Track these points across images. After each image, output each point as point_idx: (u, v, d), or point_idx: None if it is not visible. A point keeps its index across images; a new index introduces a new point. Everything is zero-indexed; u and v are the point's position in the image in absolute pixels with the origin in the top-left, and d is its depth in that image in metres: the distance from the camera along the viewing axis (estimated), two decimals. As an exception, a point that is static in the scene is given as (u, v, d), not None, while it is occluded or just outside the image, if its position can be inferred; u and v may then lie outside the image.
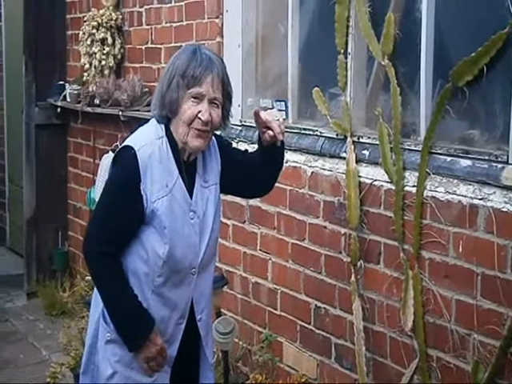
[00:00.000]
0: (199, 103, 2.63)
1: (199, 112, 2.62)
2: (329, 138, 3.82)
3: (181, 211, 2.69)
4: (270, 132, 2.69)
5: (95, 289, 2.80)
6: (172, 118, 2.68)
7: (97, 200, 5.11)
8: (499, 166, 2.97)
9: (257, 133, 2.83)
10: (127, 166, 2.64)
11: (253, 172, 2.88)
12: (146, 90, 5.15)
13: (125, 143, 2.70)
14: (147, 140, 2.67)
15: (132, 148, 2.63)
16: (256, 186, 2.99)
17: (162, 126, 2.70)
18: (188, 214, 2.71)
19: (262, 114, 2.68)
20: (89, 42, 5.47)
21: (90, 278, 5.27)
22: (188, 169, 2.73)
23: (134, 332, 2.69)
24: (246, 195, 3.44)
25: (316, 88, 3.86)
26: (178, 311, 2.75)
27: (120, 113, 5.17)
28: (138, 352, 2.69)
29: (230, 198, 4.42)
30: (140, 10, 5.30)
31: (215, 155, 2.84)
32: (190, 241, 2.71)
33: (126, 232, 2.67)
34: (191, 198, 2.72)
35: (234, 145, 4.20)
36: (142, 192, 2.62)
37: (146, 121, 2.80)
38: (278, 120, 2.70)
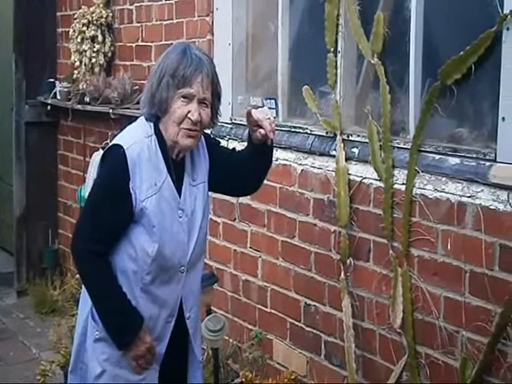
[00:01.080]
0: (189, 103, 2.63)
1: (189, 112, 2.63)
2: (319, 135, 3.83)
3: (169, 210, 2.69)
4: (262, 130, 2.70)
5: (83, 287, 2.80)
6: (161, 117, 2.69)
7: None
8: (487, 163, 2.99)
9: (247, 131, 2.84)
10: (116, 165, 2.64)
11: (241, 170, 2.89)
12: (137, 87, 5.15)
13: (113, 142, 2.69)
14: (136, 138, 2.67)
15: (121, 146, 2.63)
16: (244, 185, 3.00)
17: (151, 124, 2.70)
18: (176, 212, 2.71)
19: (254, 113, 2.69)
20: (79, 40, 5.46)
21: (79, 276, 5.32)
22: (176, 167, 2.73)
23: (123, 330, 2.69)
24: (233, 194, 3.45)
25: (306, 86, 3.87)
26: (167, 309, 2.75)
27: (110, 111, 5.16)
28: (126, 350, 2.70)
29: (220, 195, 4.43)
30: (130, 7, 5.29)
31: (203, 154, 2.85)
32: (178, 239, 2.72)
33: (114, 230, 2.67)
34: (180, 196, 2.73)
35: (224, 143, 4.22)
36: (131, 190, 2.62)
37: (136, 119, 2.81)
38: (268, 118, 2.71)
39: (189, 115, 2.63)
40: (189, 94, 2.62)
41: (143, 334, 2.69)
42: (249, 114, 2.70)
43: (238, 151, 2.99)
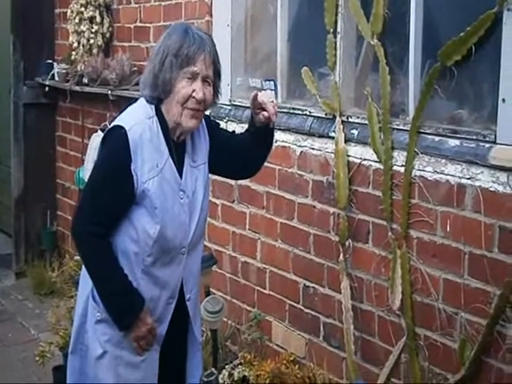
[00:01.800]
0: (193, 82, 2.63)
1: (193, 91, 2.63)
2: (318, 117, 3.82)
3: (171, 191, 2.69)
4: (265, 113, 2.71)
5: (83, 269, 2.79)
6: (164, 99, 2.67)
7: (86, 180, 5.13)
8: (487, 145, 2.98)
9: (246, 112, 2.84)
10: (118, 146, 2.63)
11: (241, 153, 2.90)
12: (135, 69, 5.13)
13: (115, 123, 2.68)
14: (137, 119, 2.66)
15: (122, 127, 2.62)
16: (243, 168, 3.00)
17: (152, 105, 2.69)
18: (178, 193, 2.71)
19: (260, 96, 2.70)
20: (77, 21, 5.44)
21: (78, 257, 5.32)
22: (177, 148, 2.73)
23: (124, 311, 2.69)
24: (232, 176, 3.44)
25: (305, 67, 3.85)
26: (168, 291, 2.76)
27: (109, 92, 5.15)
28: (128, 331, 2.70)
29: (219, 177, 4.42)
30: (128, -12, 5.27)
31: (204, 135, 2.84)
32: (180, 220, 2.72)
33: (115, 212, 2.66)
34: (181, 177, 2.72)
35: (223, 124, 4.20)
36: (133, 172, 2.60)
37: (135, 100, 2.79)
38: (272, 101, 2.72)
39: (193, 94, 2.63)
40: (193, 72, 2.62)
41: (144, 315, 2.69)
42: (255, 98, 2.71)
43: (238, 134, 2.99)
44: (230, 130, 3.08)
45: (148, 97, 2.69)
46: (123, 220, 2.67)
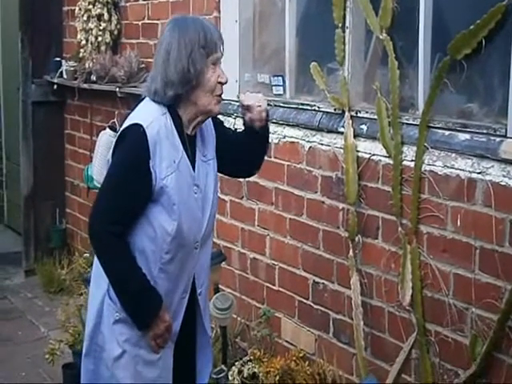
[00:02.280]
0: (216, 68, 2.66)
1: (218, 76, 2.66)
2: (327, 112, 3.80)
3: (186, 186, 2.68)
4: (250, 115, 2.80)
5: (95, 269, 2.78)
6: (189, 92, 2.63)
7: (94, 177, 5.13)
8: (497, 139, 2.96)
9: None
10: (137, 143, 2.61)
11: (241, 150, 2.92)
12: (143, 66, 5.12)
13: (131, 121, 2.64)
14: (154, 116, 2.64)
15: (140, 125, 2.60)
16: (244, 165, 3.02)
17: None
18: (192, 188, 2.71)
19: (243, 99, 2.80)
20: (85, 18, 5.45)
21: (88, 255, 5.33)
22: (190, 143, 2.72)
23: (144, 310, 2.68)
24: (235, 174, 3.39)
25: (314, 63, 3.83)
26: (181, 285, 2.76)
27: (117, 89, 5.15)
28: (147, 330, 2.69)
29: (227, 173, 4.41)
30: (136, -15, 5.26)
31: (210, 130, 2.85)
32: (194, 215, 2.72)
33: (133, 210, 2.64)
34: (194, 172, 2.72)
35: (231, 121, 4.20)
36: (152, 169, 2.59)
37: (142, 99, 2.77)
38: (259, 106, 2.79)
39: (219, 79, 2.66)
40: (217, 58, 2.66)
41: (163, 313, 2.69)
42: (242, 98, 2.81)
43: (238, 132, 3.03)
44: (235, 127, 3.08)
45: (172, 96, 2.64)
46: (140, 218, 2.65)
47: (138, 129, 2.60)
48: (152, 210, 2.65)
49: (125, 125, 2.67)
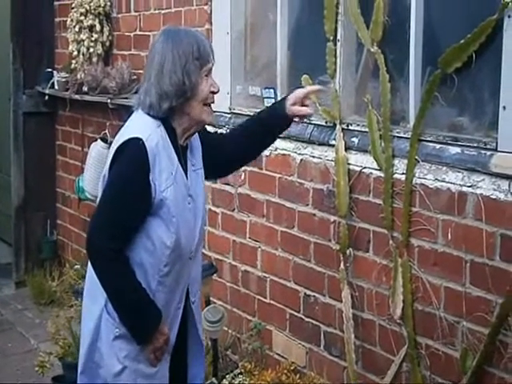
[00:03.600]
0: (208, 78, 2.67)
1: (211, 86, 2.67)
2: (318, 125, 3.80)
3: (182, 198, 2.68)
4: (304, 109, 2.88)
5: (90, 283, 2.75)
6: (183, 104, 2.63)
7: (85, 188, 5.11)
8: (488, 153, 2.96)
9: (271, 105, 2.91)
10: (137, 157, 2.59)
11: (234, 150, 2.94)
12: (135, 77, 5.12)
13: (129, 135, 2.61)
14: (151, 129, 2.63)
15: (139, 139, 2.58)
16: (236, 163, 3.08)
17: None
18: (187, 199, 2.71)
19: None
20: (77, 29, 5.44)
21: (78, 266, 5.31)
22: (183, 154, 2.73)
23: (144, 325, 2.67)
24: (229, 172, 3.34)
25: (305, 75, 3.84)
26: (177, 296, 2.75)
27: (108, 100, 5.14)
28: (146, 344, 2.68)
29: (219, 185, 4.41)
30: (128, -4, 5.26)
31: (197, 139, 2.84)
32: (190, 226, 2.72)
33: (132, 225, 2.62)
34: (188, 182, 2.73)
35: (224, 133, 4.20)
36: (151, 182, 2.58)
37: (131, 113, 2.76)
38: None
39: (211, 89, 2.67)
40: (209, 69, 2.67)
41: (162, 327, 2.68)
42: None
43: (231, 131, 3.08)
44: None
45: (167, 109, 2.63)
46: (139, 232, 2.64)
47: (137, 142, 2.58)
48: (151, 224, 2.63)
49: (122, 139, 2.63)
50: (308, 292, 3.88)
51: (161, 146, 2.62)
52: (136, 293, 2.63)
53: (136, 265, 2.64)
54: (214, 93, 2.68)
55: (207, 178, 2.93)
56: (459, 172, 3.06)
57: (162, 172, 2.61)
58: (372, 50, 3.44)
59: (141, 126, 2.65)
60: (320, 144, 3.77)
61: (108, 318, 2.69)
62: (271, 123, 2.94)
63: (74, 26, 5.45)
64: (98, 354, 2.72)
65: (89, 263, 2.72)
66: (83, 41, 5.40)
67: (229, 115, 4.41)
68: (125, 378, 2.70)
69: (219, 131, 3.66)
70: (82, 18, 5.39)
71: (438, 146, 3.17)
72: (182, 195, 2.68)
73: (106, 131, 5.31)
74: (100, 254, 2.63)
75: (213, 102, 2.71)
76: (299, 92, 2.89)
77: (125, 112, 2.84)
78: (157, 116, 2.65)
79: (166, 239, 2.63)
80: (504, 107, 2.90)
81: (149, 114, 2.66)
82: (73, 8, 5.52)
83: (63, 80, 5.75)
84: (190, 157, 2.78)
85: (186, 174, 2.73)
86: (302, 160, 3.87)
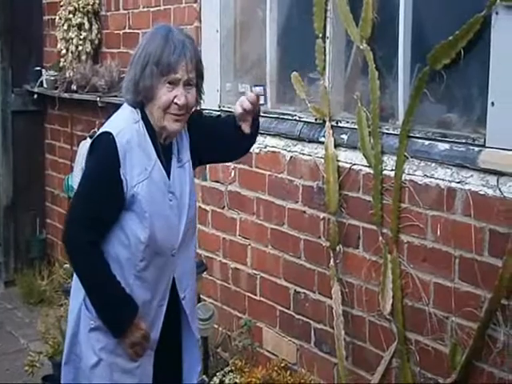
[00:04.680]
0: (174, 88, 2.62)
1: (175, 97, 2.62)
2: (307, 122, 3.81)
3: (160, 194, 2.68)
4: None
5: (74, 278, 2.77)
6: (146, 103, 2.66)
7: (75, 187, 5.10)
8: (476, 149, 2.97)
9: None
10: (106, 152, 2.62)
11: (228, 136, 2.86)
12: (124, 75, 5.08)
13: (102, 129, 2.67)
14: (125, 124, 2.65)
15: (110, 133, 2.61)
16: (232, 149, 2.98)
17: (138, 109, 2.68)
18: (167, 196, 2.70)
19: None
20: (65, 27, 5.43)
21: (68, 265, 5.29)
22: (164, 151, 2.72)
23: (119, 318, 2.68)
24: (224, 159, 3.37)
25: (294, 72, 3.84)
26: (159, 293, 2.75)
27: (98, 99, 5.13)
28: (122, 338, 2.68)
29: (208, 183, 4.41)
30: (117, -6, 5.25)
31: (185, 133, 2.82)
32: (170, 223, 2.71)
33: (106, 219, 2.65)
34: (169, 179, 2.72)
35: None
36: (122, 177, 2.60)
37: (121, 105, 2.78)
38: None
39: (175, 100, 2.62)
40: (174, 79, 2.61)
41: (138, 321, 2.68)
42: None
43: (224, 118, 2.98)
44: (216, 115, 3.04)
45: (131, 101, 2.69)
46: (113, 226, 2.66)
47: (107, 137, 2.61)
48: (125, 218, 2.64)
49: (97, 133, 2.69)
50: (298, 289, 3.89)
51: (134, 141, 2.63)
52: (110, 285, 2.65)
53: (112, 258, 2.66)
54: (177, 105, 2.62)
55: (208, 162, 2.89)
56: (448, 168, 3.07)
57: (134, 167, 2.61)
58: (361, 47, 3.45)
59: (117, 121, 2.69)
60: (310, 141, 3.77)
61: (85, 312, 2.71)
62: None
63: (63, 24, 5.44)
64: (78, 346, 2.75)
65: None
66: (72, 39, 5.39)
67: (218, 112, 4.41)
68: (100, 370, 2.71)
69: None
70: (71, 16, 5.38)
71: (426, 142, 3.19)
72: (161, 192, 2.68)
73: (96, 129, 5.29)
74: (76, 247, 2.66)
75: (178, 115, 2.64)
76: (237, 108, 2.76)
77: (114, 110, 2.83)
78: (133, 106, 2.67)
79: (139, 234, 2.64)
80: (492, 103, 2.91)
81: (129, 105, 2.69)
82: (61, 6, 5.51)
83: (52, 78, 5.74)
84: (177, 152, 2.78)
85: (169, 171, 2.72)
86: (291, 157, 3.87)
